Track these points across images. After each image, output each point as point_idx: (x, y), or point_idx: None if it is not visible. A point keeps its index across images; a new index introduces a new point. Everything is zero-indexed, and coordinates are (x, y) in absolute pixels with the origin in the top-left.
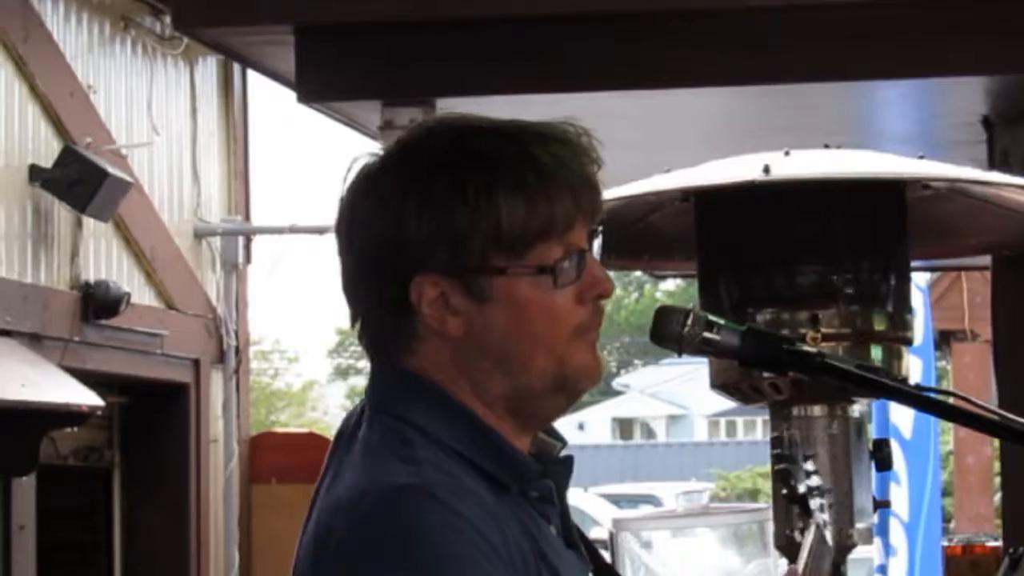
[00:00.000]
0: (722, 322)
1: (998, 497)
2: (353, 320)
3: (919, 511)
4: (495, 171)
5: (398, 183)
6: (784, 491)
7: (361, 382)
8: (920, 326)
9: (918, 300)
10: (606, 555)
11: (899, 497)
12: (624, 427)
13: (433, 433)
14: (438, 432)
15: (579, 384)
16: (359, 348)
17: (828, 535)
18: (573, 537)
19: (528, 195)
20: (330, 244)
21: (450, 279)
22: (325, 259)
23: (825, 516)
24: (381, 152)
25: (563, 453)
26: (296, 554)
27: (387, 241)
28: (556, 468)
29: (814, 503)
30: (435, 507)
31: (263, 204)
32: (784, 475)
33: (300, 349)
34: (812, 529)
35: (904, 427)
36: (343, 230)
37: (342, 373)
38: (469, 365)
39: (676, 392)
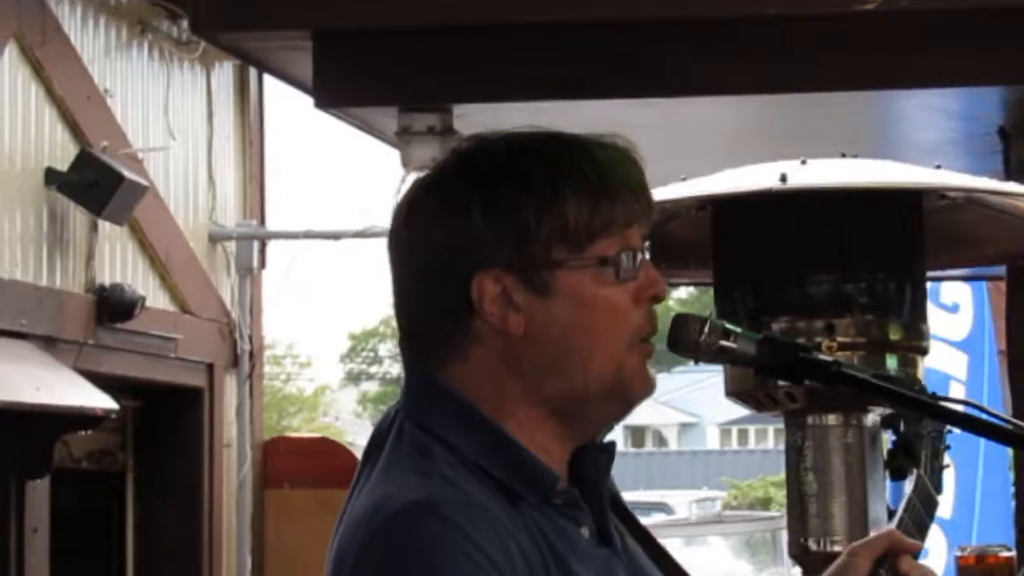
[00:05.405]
0: (739, 330)
1: (1012, 506)
2: (402, 330)
3: (969, 509)
4: (558, 167)
5: (461, 184)
6: (891, 432)
7: (372, 388)
8: (968, 321)
9: (966, 294)
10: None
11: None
12: (636, 435)
13: (456, 445)
14: (460, 444)
15: (633, 394)
16: (371, 353)
17: (932, 490)
18: (610, 534)
19: (592, 190)
20: (344, 249)
21: (512, 274)
22: (339, 264)
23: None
24: (435, 165)
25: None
26: (326, 563)
27: (450, 240)
28: (597, 455)
29: (922, 448)
30: (436, 525)
31: (278, 208)
32: (892, 419)
33: (312, 354)
34: (914, 479)
35: None
36: (402, 239)
37: (354, 378)
38: (525, 365)
39: (688, 400)
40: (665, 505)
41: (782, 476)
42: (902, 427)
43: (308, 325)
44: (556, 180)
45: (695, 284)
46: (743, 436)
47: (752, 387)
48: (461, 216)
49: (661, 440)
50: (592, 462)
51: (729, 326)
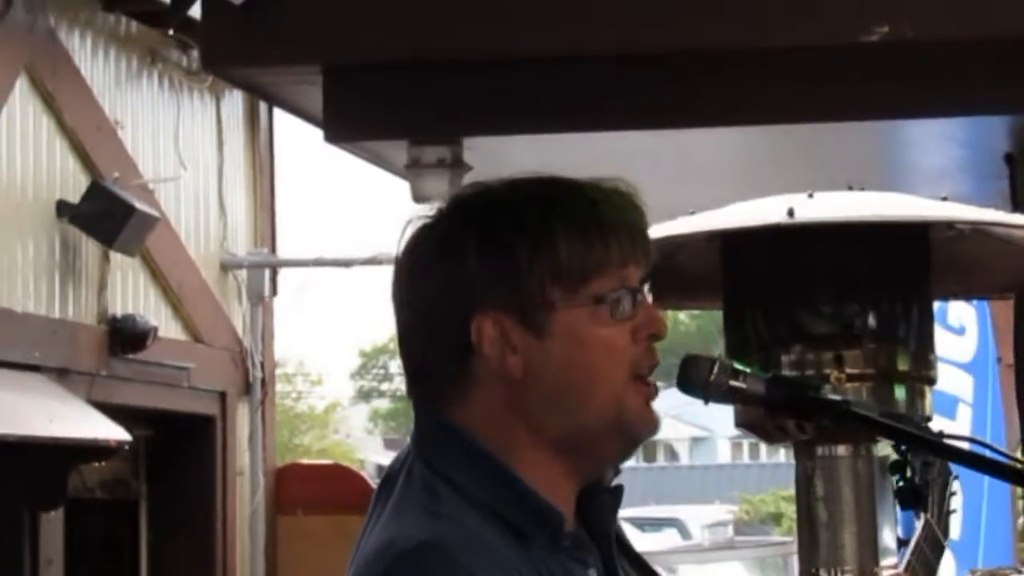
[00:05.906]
0: (748, 370)
1: (1021, 521)
2: (407, 373)
3: (975, 530)
4: (552, 208)
5: (456, 226)
6: (898, 482)
7: (383, 404)
8: (973, 343)
9: (970, 315)
10: None
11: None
12: (647, 449)
13: (462, 485)
14: (468, 484)
15: (635, 430)
16: (382, 371)
17: (940, 535)
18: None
19: (585, 230)
20: (354, 276)
21: (510, 316)
22: (349, 288)
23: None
24: (436, 211)
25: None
26: None
27: (448, 283)
28: (604, 499)
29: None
30: (443, 565)
31: (289, 236)
32: (899, 466)
33: (323, 371)
34: (922, 524)
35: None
36: (402, 283)
37: (365, 395)
38: (526, 406)
39: (699, 413)
40: (677, 520)
41: (793, 490)
42: (908, 473)
43: (319, 342)
44: (549, 221)
45: None
46: (755, 449)
47: (762, 419)
48: (457, 258)
49: (673, 454)
50: (600, 504)
51: (738, 366)
